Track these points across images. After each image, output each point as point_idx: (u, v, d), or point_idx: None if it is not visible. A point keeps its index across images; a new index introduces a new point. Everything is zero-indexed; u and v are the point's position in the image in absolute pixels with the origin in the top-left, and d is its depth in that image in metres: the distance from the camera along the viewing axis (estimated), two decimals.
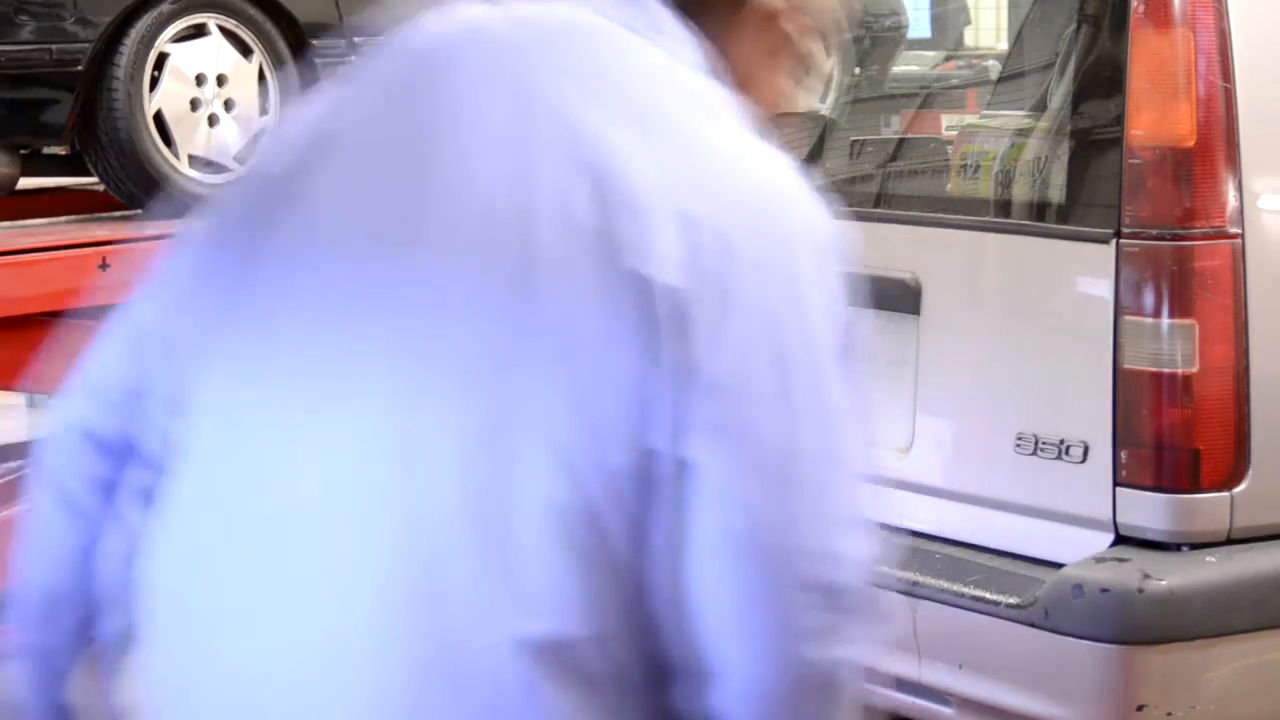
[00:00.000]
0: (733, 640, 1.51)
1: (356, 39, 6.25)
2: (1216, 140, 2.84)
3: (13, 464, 6.66)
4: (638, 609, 1.50)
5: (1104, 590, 2.52)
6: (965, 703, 2.99)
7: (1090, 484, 2.94)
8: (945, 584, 2.99)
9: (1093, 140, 3.11)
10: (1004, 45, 4.73)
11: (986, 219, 3.21)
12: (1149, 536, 2.89)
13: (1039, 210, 3.18)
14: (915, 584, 3.00)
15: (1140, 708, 2.59)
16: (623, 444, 1.47)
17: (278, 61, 6.02)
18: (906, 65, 4.68)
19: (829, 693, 1.55)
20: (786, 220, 1.55)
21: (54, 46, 5.59)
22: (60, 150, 6.12)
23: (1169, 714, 2.59)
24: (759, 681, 1.52)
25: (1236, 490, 2.68)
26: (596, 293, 1.48)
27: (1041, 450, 2.99)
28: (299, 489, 1.54)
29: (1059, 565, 2.68)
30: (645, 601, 1.50)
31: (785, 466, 1.50)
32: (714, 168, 1.54)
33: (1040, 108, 3.28)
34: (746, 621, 1.51)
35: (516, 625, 1.46)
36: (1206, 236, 2.65)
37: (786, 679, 1.53)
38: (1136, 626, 2.73)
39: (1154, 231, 2.86)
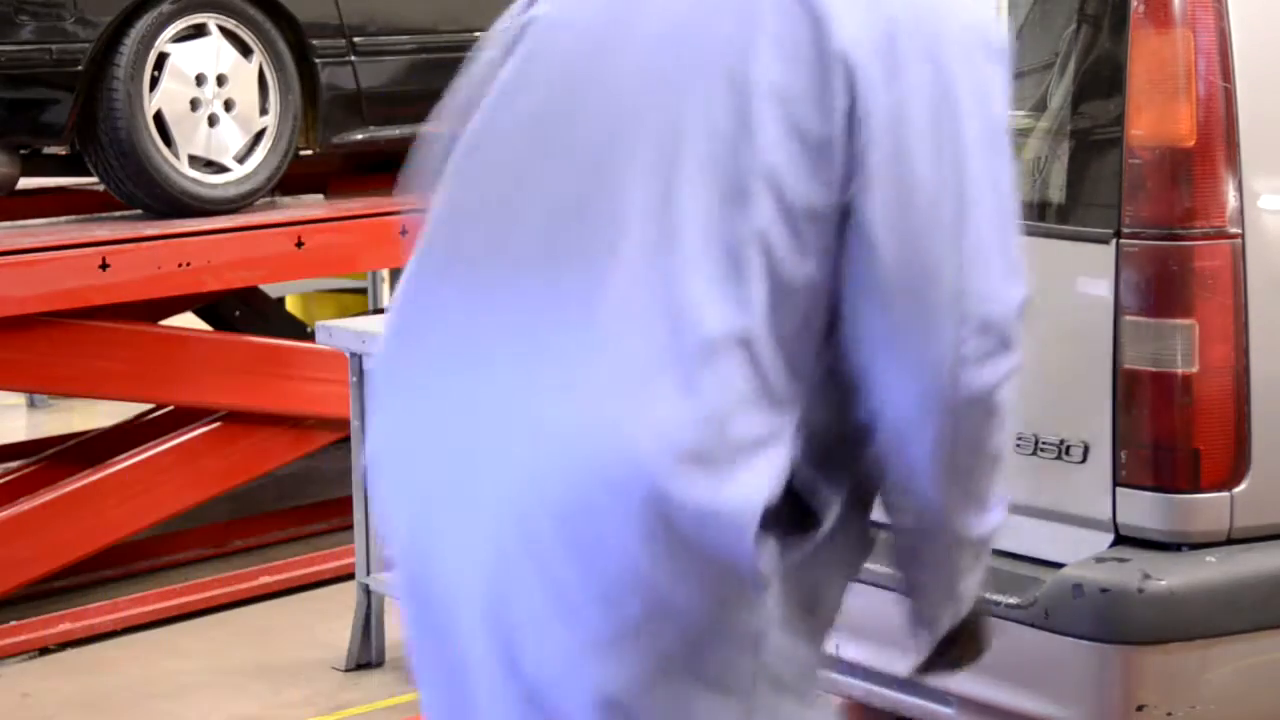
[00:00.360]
0: (891, 362, 1.82)
1: (357, 39, 6.25)
2: (1216, 140, 2.84)
3: (13, 464, 6.67)
4: (813, 324, 1.84)
5: (1104, 590, 2.51)
6: (965, 703, 2.99)
7: (1090, 484, 2.94)
8: None
9: (1093, 140, 3.11)
10: None
11: None
12: (1149, 536, 2.89)
13: (1039, 210, 3.18)
14: None
15: (1140, 708, 2.59)
16: (818, 188, 1.80)
17: (278, 61, 6.01)
18: None
19: (981, 417, 1.85)
20: (968, 18, 1.86)
21: (54, 46, 5.59)
22: (60, 150, 6.11)
23: (1169, 714, 2.59)
24: (915, 399, 1.82)
25: (1236, 490, 2.68)
26: (808, 72, 1.82)
27: (1041, 450, 2.99)
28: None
29: (1059, 565, 2.68)
30: (822, 322, 1.84)
31: (943, 205, 1.80)
32: None
33: (1040, 108, 3.28)
34: (902, 347, 1.81)
35: (729, 318, 1.79)
36: (1206, 236, 2.65)
37: (939, 397, 1.82)
38: (1136, 626, 2.73)
39: (1154, 231, 2.86)
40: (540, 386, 1.85)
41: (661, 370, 1.81)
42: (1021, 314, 1.86)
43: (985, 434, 1.88)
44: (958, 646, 2.12)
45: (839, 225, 1.82)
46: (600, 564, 1.81)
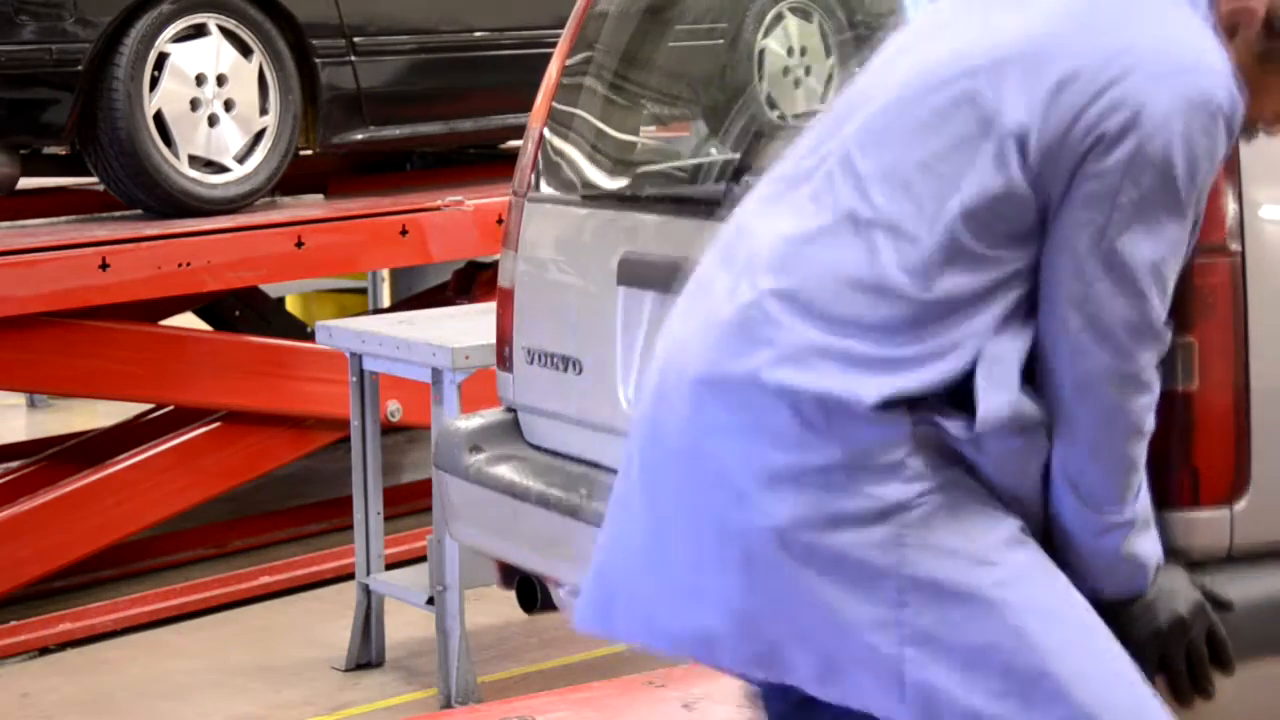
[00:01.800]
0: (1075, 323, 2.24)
1: (357, 39, 6.25)
2: None
3: (13, 464, 6.68)
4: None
5: (1102, 608, 2.51)
6: None
7: None
8: None
9: None
10: None
11: None
12: None
13: None
14: None
15: None
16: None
17: (278, 61, 6.02)
18: None
19: (1126, 390, 2.26)
20: (1194, 80, 2.18)
21: (54, 46, 5.60)
22: (60, 150, 6.12)
23: None
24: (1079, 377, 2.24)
25: (1236, 507, 2.68)
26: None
27: None
28: None
29: None
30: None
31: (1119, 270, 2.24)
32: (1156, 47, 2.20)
33: None
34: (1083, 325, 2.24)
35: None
36: (1206, 253, 2.64)
37: (1099, 369, 2.25)
38: None
39: None
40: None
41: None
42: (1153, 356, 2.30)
43: (1118, 434, 2.27)
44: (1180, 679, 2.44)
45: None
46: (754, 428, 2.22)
